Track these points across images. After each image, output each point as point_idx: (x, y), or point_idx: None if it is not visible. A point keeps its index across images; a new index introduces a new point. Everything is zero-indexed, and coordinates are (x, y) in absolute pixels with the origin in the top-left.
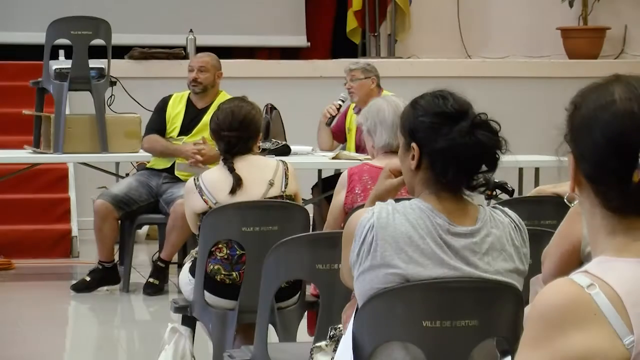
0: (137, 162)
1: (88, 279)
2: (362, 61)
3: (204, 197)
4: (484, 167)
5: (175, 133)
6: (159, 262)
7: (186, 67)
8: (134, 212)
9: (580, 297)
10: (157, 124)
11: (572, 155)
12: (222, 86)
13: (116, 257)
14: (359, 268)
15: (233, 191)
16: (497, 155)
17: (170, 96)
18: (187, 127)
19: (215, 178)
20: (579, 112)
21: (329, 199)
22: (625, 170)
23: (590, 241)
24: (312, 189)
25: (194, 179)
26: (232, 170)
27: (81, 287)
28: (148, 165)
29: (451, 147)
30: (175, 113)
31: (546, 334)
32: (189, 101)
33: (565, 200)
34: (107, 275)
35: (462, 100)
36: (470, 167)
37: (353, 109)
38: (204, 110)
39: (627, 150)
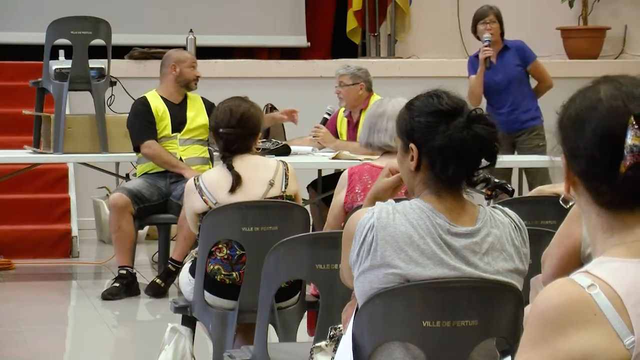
0: (137, 163)
1: (117, 285)
2: (352, 66)
3: (204, 197)
4: (484, 162)
5: (167, 131)
6: (170, 265)
7: None
8: (145, 210)
9: (581, 297)
10: (151, 128)
11: (563, 155)
12: (223, 86)
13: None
14: (359, 268)
15: (233, 189)
16: (496, 148)
17: (145, 98)
18: (176, 124)
19: (215, 178)
20: (568, 112)
21: (327, 200)
22: (614, 162)
23: (590, 241)
24: (307, 187)
25: (194, 179)
26: (230, 168)
27: (112, 294)
28: (147, 170)
29: (450, 143)
30: (162, 111)
31: (546, 334)
32: (163, 98)
33: (560, 202)
34: (132, 282)
35: (457, 98)
36: (470, 162)
37: (343, 112)
38: (182, 104)
39: (614, 143)
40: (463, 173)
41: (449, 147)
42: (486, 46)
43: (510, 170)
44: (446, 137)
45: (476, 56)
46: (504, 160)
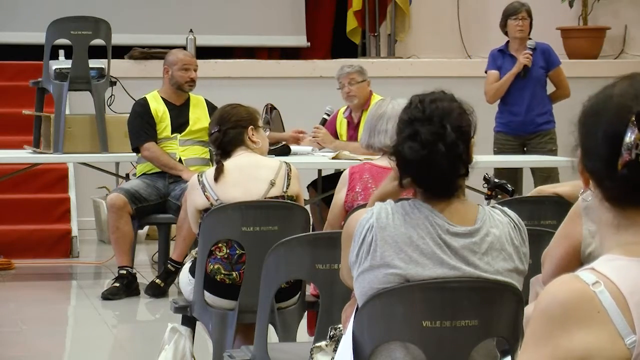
0: (137, 163)
1: (117, 285)
2: (355, 64)
3: (206, 194)
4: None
5: (167, 132)
6: (170, 265)
7: None
8: (143, 210)
9: (585, 294)
10: (150, 129)
11: (579, 151)
12: (223, 86)
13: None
14: (359, 268)
15: (216, 178)
16: (463, 161)
17: (145, 99)
18: (177, 125)
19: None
20: (585, 108)
21: (327, 200)
22: (614, 159)
23: (600, 237)
24: (307, 187)
25: (198, 175)
26: (217, 161)
27: (112, 294)
28: (146, 171)
29: (416, 161)
30: (162, 112)
31: (549, 331)
32: (164, 100)
33: (580, 195)
34: (132, 282)
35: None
36: (443, 175)
37: (342, 113)
38: (185, 105)
39: (617, 140)
40: (440, 183)
41: (416, 163)
42: (531, 54)
43: (516, 170)
44: (413, 153)
45: (500, 50)
46: (514, 160)
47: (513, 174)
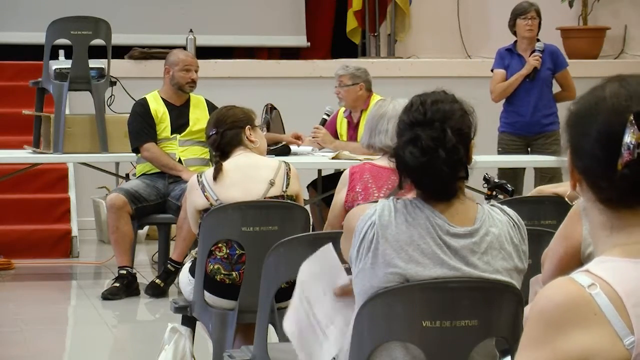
0: (137, 163)
1: (117, 285)
2: (352, 66)
3: (205, 194)
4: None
5: (167, 133)
6: (169, 265)
7: None
8: (143, 210)
9: (581, 297)
10: (150, 130)
11: (569, 152)
12: (223, 86)
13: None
14: (359, 265)
15: (215, 177)
16: (462, 165)
17: (145, 99)
18: (177, 125)
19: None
20: (575, 110)
21: (327, 200)
22: (613, 160)
23: (592, 240)
24: (307, 187)
25: (197, 176)
26: (216, 162)
27: (112, 294)
28: (146, 171)
29: (414, 166)
30: (161, 113)
31: (546, 334)
32: (164, 100)
33: (566, 199)
34: (132, 282)
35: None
36: (442, 178)
37: (343, 112)
38: (185, 106)
39: (614, 140)
40: (440, 187)
41: (416, 169)
42: (540, 56)
43: (520, 170)
44: (413, 158)
45: (507, 50)
46: (516, 160)
47: (516, 174)
